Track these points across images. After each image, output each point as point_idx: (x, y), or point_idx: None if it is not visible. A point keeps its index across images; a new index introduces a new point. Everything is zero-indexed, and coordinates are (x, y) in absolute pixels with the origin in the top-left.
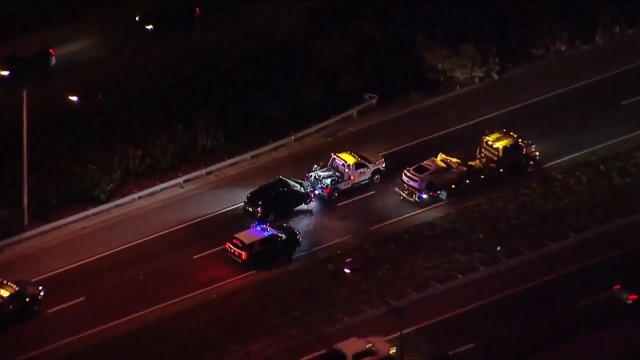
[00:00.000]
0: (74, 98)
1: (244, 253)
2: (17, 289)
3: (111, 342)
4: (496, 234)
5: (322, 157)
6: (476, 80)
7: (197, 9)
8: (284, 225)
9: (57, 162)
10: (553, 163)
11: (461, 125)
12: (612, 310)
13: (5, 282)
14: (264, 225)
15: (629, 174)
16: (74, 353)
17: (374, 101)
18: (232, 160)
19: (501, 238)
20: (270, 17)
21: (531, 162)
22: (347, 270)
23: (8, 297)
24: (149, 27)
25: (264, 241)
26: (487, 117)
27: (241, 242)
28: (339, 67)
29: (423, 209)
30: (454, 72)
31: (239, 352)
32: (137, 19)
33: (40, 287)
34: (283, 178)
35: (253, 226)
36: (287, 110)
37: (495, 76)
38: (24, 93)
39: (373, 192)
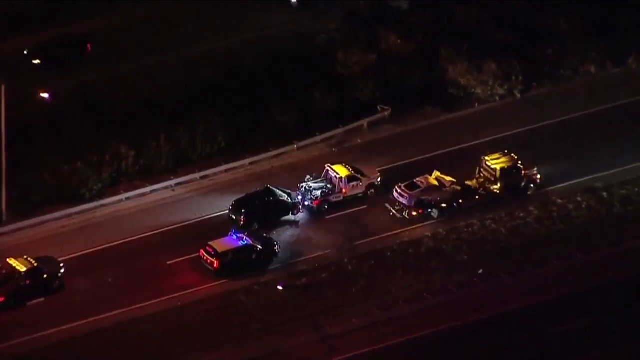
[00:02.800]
0: (45, 95)
1: (216, 261)
2: (35, 265)
3: (61, 346)
4: (482, 256)
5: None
6: (497, 98)
7: (89, 45)
8: (264, 235)
9: (47, 159)
10: (556, 187)
11: (471, 143)
12: (578, 342)
13: (25, 257)
14: (241, 235)
15: (631, 202)
16: (21, 355)
17: (386, 113)
18: (228, 166)
19: (486, 261)
20: (300, 23)
21: (531, 185)
22: (279, 287)
23: (25, 272)
24: (36, 61)
25: (237, 250)
26: (500, 136)
27: (214, 250)
28: (358, 76)
29: (412, 227)
30: (476, 88)
31: None
32: (25, 52)
33: (62, 265)
34: (270, 187)
35: (230, 234)
36: (298, 118)
37: (518, 95)
38: (2, 88)
39: (365, 206)
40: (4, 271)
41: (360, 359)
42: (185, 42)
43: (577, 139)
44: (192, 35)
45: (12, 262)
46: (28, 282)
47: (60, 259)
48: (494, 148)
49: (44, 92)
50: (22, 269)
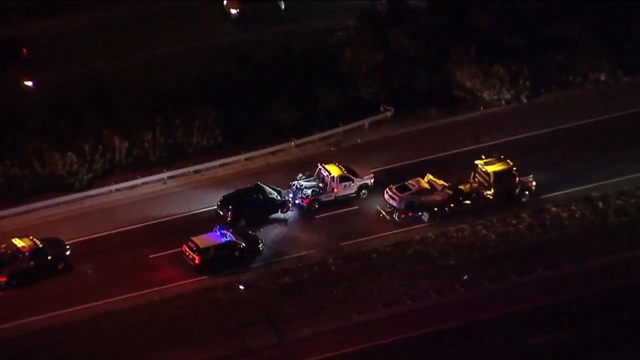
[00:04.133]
0: (29, 83)
1: (197, 257)
2: (40, 245)
3: (33, 336)
4: (468, 262)
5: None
6: (503, 102)
7: (25, 49)
8: (249, 232)
9: (39, 147)
10: (551, 194)
11: (471, 147)
12: (555, 351)
13: (30, 238)
14: (225, 231)
15: (626, 213)
16: None
17: (389, 113)
18: (223, 161)
19: (472, 267)
20: (313, 21)
21: (526, 192)
22: (241, 287)
23: (29, 253)
24: None
25: (219, 247)
26: (501, 140)
27: (196, 245)
28: (364, 75)
29: (401, 230)
30: (482, 91)
31: None
32: None
33: (68, 246)
34: (260, 184)
35: (214, 230)
36: (300, 115)
37: (524, 100)
38: None
39: (357, 207)
40: (8, 251)
41: None
42: (193, 35)
43: (580, 147)
44: (202, 28)
45: (16, 242)
46: (32, 263)
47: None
48: (493, 153)
49: (27, 81)
50: (26, 249)
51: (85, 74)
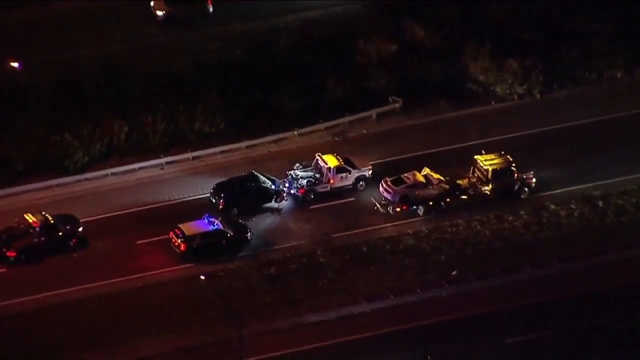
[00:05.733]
0: (15, 64)
1: (182, 244)
2: (52, 221)
3: (8, 320)
4: (459, 258)
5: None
6: (515, 97)
7: None
8: (239, 221)
9: (36, 129)
10: (552, 192)
11: (478, 142)
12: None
13: (43, 213)
14: (213, 219)
15: (626, 213)
16: None
17: (397, 105)
18: (223, 148)
19: (462, 263)
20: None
21: (525, 189)
22: (202, 277)
23: (40, 228)
24: None
25: (206, 235)
26: (509, 136)
27: (182, 233)
28: (376, 66)
29: (395, 223)
30: (495, 85)
31: (129, 347)
32: None
33: (80, 224)
34: (255, 173)
35: (202, 218)
36: (307, 104)
37: (537, 95)
38: None
39: (353, 198)
40: (21, 226)
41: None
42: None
43: (588, 145)
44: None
45: (28, 217)
46: (43, 238)
47: None
48: (499, 148)
49: (14, 62)
50: (37, 225)
51: (93, 57)
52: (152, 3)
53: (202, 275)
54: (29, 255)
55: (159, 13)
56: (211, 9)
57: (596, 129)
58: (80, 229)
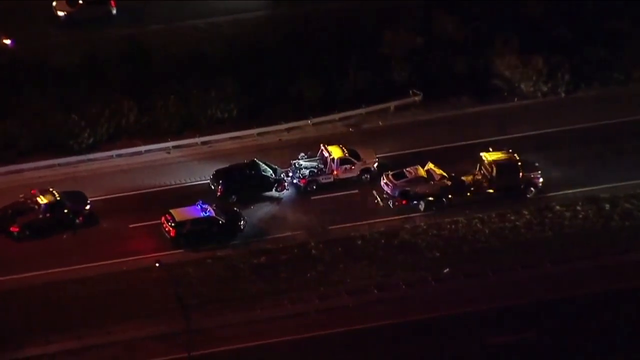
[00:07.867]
0: (7, 42)
1: (172, 230)
2: (58, 198)
3: None
4: (454, 255)
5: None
6: (539, 94)
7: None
8: (233, 209)
9: (42, 109)
10: (559, 193)
11: (494, 139)
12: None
13: (51, 190)
14: (206, 206)
15: (632, 217)
16: None
17: (416, 98)
18: (233, 134)
19: (456, 261)
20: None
21: (532, 189)
22: (157, 264)
23: (45, 205)
24: None
25: (196, 221)
26: (527, 134)
27: (173, 218)
28: (399, 58)
29: (394, 217)
30: (520, 82)
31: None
32: None
33: (88, 201)
34: (256, 160)
35: (195, 204)
36: (325, 94)
37: (562, 94)
38: None
39: (356, 190)
40: (28, 201)
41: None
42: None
43: (605, 146)
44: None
45: (35, 194)
46: (48, 215)
47: None
48: (516, 146)
49: (5, 39)
50: (43, 201)
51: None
52: (54, 3)
53: (157, 263)
54: (33, 231)
55: (60, 14)
56: (114, 11)
57: (618, 131)
58: (88, 207)
